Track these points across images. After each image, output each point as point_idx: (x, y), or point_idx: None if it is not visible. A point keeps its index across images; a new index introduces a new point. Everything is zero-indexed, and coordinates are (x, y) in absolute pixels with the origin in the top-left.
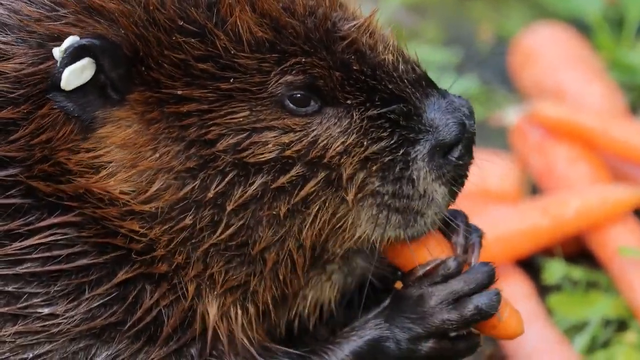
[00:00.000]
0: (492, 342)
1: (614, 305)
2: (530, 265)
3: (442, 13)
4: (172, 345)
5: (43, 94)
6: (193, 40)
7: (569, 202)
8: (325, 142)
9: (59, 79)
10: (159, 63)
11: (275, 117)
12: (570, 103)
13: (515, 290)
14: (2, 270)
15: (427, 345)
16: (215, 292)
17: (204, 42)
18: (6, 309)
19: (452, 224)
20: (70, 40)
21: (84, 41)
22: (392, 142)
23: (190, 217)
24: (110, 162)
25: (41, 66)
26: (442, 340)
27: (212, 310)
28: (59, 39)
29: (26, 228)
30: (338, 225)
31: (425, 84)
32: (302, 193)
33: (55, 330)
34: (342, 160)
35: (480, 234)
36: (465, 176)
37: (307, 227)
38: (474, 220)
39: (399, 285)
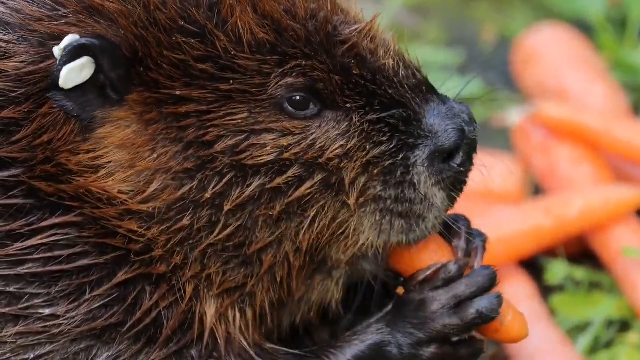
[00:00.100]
0: (495, 342)
1: (617, 306)
2: (533, 266)
3: (444, 14)
4: (172, 347)
5: (43, 93)
6: (193, 40)
7: (571, 203)
8: (323, 144)
9: (58, 77)
10: (158, 64)
11: (274, 120)
12: (573, 103)
13: (518, 290)
14: (3, 271)
15: (429, 351)
16: (213, 294)
17: (204, 43)
18: (7, 309)
19: (453, 228)
20: (69, 39)
21: (83, 40)
22: (391, 146)
23: (188, 218)
24: (109, 162)
25: (41, 65)
26: (444, 345)
27: (210, 312)
28: (59, 38)
29: (28, 228)
30: (340, 232)
31: (425, 90)
32: (297, 194)
33: (56, 331)
34: (343, 164)
35: (484, 239)
36: (465, 182)
37: (304, 230)
38: (476, 220)
39: (400, 291)
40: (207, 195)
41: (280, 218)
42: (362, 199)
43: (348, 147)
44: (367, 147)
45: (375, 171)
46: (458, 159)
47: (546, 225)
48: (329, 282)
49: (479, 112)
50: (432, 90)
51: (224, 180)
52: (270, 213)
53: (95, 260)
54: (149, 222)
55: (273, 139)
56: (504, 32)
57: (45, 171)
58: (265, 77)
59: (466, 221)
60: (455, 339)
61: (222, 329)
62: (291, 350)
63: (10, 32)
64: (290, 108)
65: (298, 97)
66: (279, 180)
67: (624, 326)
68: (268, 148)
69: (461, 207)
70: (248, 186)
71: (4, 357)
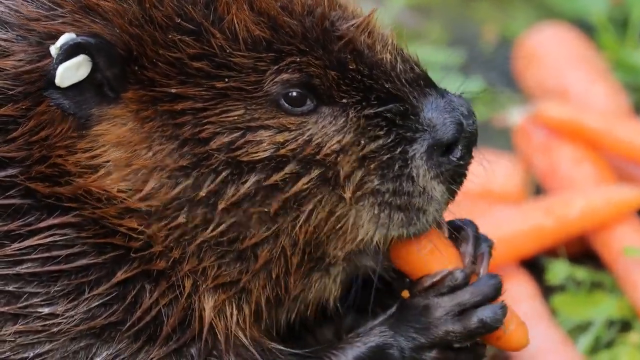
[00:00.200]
0: None
1: (618, 306)
2: (534, 266)
3: (446, 13)
4: (172, 345)
5: (41, 92)
6: (189, 38)
7: (573, 203)
8: (320, 140)
9: (54, 76)
10: (153, 62)
11: (270, 116)
12: (574, 103)
13: (519, 290)
14: (2, 270)
15: (430, 356)
16: (210, 287)
17: (200, 41)
18: (7, 308)
19: (461, 233)
20: (65, 38)
21: (79, 39)
22: (389, 140)
23: (184, 216)
24: (107, 162)
25: (39, 64)
26: (445, 351)
27: (208, 305)
28: (56, 37)
29: (26, 229)
30: (338, 226)
31: (423, 84)
32: (294, 189)
33: (55, 329)
34: (339, 158)
35: (490, 244)
36: (464, 175)
37: (300, 224)
38: (477, 220)
39: (405, 294)
40: (202, 193)
41: (276, 213)
42: (359, 193)
43: (344, 142)
44: (363, 141)
45: (372, 165)
46: (457, 152)
47: (547, 225)
48: (327, 279)
49: (480, 112)
50: (430, 84)
51: (219, 178)
52: (266, 209)
53: (94, 260)
54: (148, 219)
55: (269, 136)
56: (505, 32)
57: (41, 172)
58: (261, 74)
59: (474, 226)
60: (457, 345)
61: (221, 325)
62: (293, 350)
63: (9, 30)
64: (286, 104)
65: (294, 93)
66: (275, 177)
67: (625, 326)
68: (264, 144)
69: (463, 206)
70: (243, 183)
71: (4, 356)
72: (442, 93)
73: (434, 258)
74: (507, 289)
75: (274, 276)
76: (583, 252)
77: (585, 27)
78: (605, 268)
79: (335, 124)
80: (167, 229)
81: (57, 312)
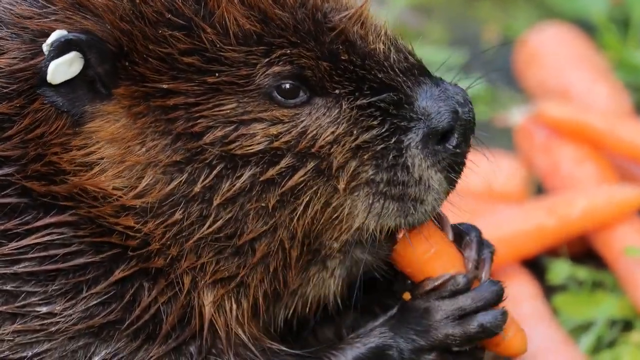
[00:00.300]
0: None
1: (620, 306)
2: (535, 265)
3: (447, 13)
4: (171, 343)
5: (34, 89)
6: (179, 33)
7: (574, 202)
8: (314, 132)
9: (46, 73)
10: (144, 57)
11: (263, 109)
12: (575, 103)
13: (520, 290)
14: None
15: (429, 358)
16: (208, 283)
17: (191, 36)
18: (5, 307)
19: (465, 238)
20: (56, 34)
21: (70, 35)
22: (383, 130)
23: (180, 212)
24: (102, 159)
25: (32, 61)
26: (444, 354)
27: (207, 301)
28: (48, 35)
29: (23, 228)
30: (334, 216)
31: (417, 73)
32: (291, 183)
33: (53, 328)
34: (332, 149)
35: (492, 250)
36: (463, 163)
37: (298, 216)
38: (479, 220)
39: (407, 296)
40: (197, 188)
41: (274, 207)
42: (353, 183)
43: (337, 133)
44: (355, 132)
45: (366, 155)
46: (453, 140)
47: (549, 224)
48: (325, 274)
49: (481, 112)
50: (424, 73)
51: (214, 172)
52: (263, 204)
53: (92, 259)
54: (144, 216)
55: (262, 128)
56: (506, 31)
57: (37, 170)
58: (252, 67)
59: (477, 232)
60: (456, 349)
61: (220, 320)
62: (293, 350)
63: (3, 28)
64: (279, 97)
65: (287, 85)
66: (271, 172)
67: (627, 326)
68: (258, 137)
69: (464, 206)
70: (238, 178)
71: (3, 355)
72: (437, 82)
73: (437, 261)
74: (509, 288)
75: (271, 270)
76: (585, 251)
77: (587, 27)
78: (607, 268)
79: (329, 115)
80: (163, 226)
81: (55, 311)
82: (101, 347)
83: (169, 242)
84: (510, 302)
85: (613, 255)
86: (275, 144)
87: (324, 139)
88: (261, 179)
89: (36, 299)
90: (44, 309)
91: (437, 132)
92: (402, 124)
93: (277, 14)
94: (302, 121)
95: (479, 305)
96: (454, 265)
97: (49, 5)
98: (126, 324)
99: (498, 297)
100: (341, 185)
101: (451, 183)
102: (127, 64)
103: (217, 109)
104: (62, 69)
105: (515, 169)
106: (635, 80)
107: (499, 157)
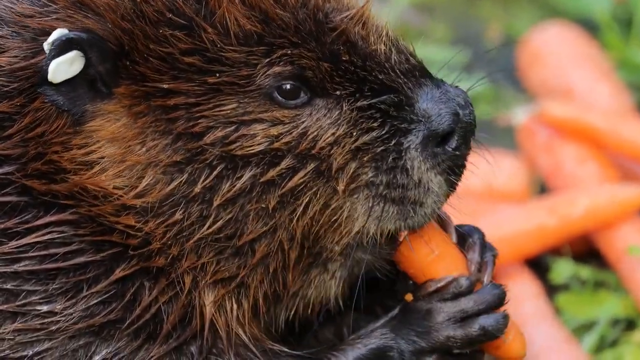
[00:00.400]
0: None
1: (623, 305)
2: (538, 265)
3: (450, 12)
4: (172, 343)
5: (35, 88)
6: (180, 33)
7: (577, 202)
8: (315, 133)
9: (47, 71)
10: (145, 57)
11: (263, 110)
12: (578, 102)
13: (523, 289)
14: (0, 268)
15: None
16: (209, 282)
17: (191, 36)
18: (5, 306)
19: (469, 241)
20: (57, 33)
21: (71, 34)
22: (383, 132)
23: (180, 212)
24: (102, 158)
25: (32, 60)
26: (445, 356)
27: (208, 301)
28: (49, 33)
29: (23, 226)
30: (334, 219)
31: (419, 74)
32: (291, 184)
33: (54, 327)
34: (332, 151)
35: (494, 254)
36: (463, 166)
37: (297, 217)
38: (481, 219)
39: (409, 297)
40: (197, 189)
41: (273, 208)
42: (353, 185)
43: (337, 134)
44: (355, 133)
45: (366, 157)
46: (453, 143)
47: (551, 224)
48: (325, 275)
49: (484, 111)
50: (426, 74)
51: (214, 173)
52: (263, 205)
53: (92, 258)
54: (145, 216)
55: (263, 129)
56: (509, 31)
57: (37, 169)
58: (252, 68)
59: (481, 234)
60: (456, 351)
61: (221, 320)
62: (293, 352)
63: (4, 27)
64: (279, 97)
65: (288, 86)
66: (272, 173)
67: (630, 325)
68: (258, 138)
69: (466, 206)
70: (239, 178)
71: (3, 354)
72: (438, 84)
73: (440, 263)
74: (511, 288)
75: (271, 271)
76: (587, 251)
77: (589, 26)
78: (610, 267)
79: (329, 117)
80: (164, 226)
81: (56, 310)
82: (102, 346)
83: (169, 242)
84: (512, 301)
85: (615, 255)
86: (276, 144)
87: (324, 141)
88: (261, 180)
89: (37, 297)
90: (44, 308)
91: (437, 135)
92: (403, 126)
93: (278, 14)
94: (303, 122)
95: (481, 308)
96: (457, 267)
97: (50, 3)
98: (127, 323)
99: (500, 301)
100: (340, 187)
101: (451, 185)
102: (128, 63)
103: (218, 109)
104: (63, 67)
105: (518, 169)
106: (638, 80)
107: (501, 156)
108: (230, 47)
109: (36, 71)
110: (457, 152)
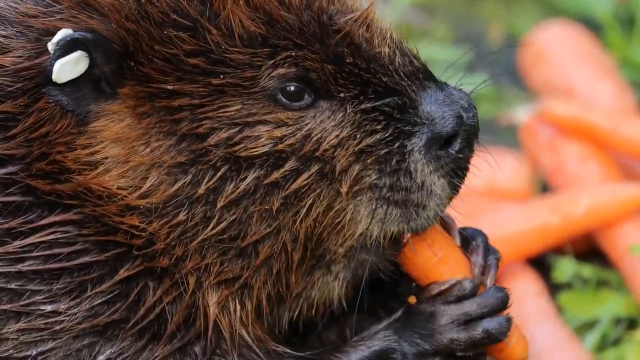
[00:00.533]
0: None
1: (625, 304)
2: (540, 264)
3: (451, 12)
4: (176, 343)
5: (39, 88)
6: (184, 34)
7: (579, 201)
8: (319, 135)
9: (51, 72)
10: (149, 58)
11: (267, 111)
12: (580, 101)
13: (525, 288)
14: (4, 268)
15: None
16: (213, 283)
17: (196, 37)
18: (9, 306)
19: (472, 244)
20: (62, 33)
21: (76, 34)
22: (387, 134)
23: (184, 213)
24: (106, 158)
25: (37, 60)
26: (448, 358)
27: (212, 302)
28: (54, 34)
29: (27, 226)
30: (337, 221)
31: (422, 77)
32: (295, 186)
33: (58, 327)
34: (336, 153)
35: (497, 257)
36: (466, 169)
37: (300, 219)
38: (483, 218)
39: (412, 299)
40: (201, 190)
41: (277, 210)
42: (356, 187)
43: (341, 136)
44: (359, 136)
45: (369, 160)
46: (456, 145)
47: (554, 223)
48: (329, 277)
49: (486, 110)
50: (429, 77)
51: (218, 174)
52: (267, 207)
53: (96, 258)
54: (149, 216)
55: (267, 131)
56: (511, 30)
57: (42, 169)
58: (257, 69)
59: (484, 237)
60: (459, 354)
61: (225, 321)
62: (296, 353)
63: (9, 27)
64: (284, 99)
65: (292, 88)
66: (276, 175)
67: (632, 324)
68: (262, 139)
69: (469, 205)
70: (242, 180)
71: (7, 354)
72: (442, 86)
73: (443, 265)
74: (514, 287)
75: (274, 272)
76: (589, 249)
77: (591, 25)
78: (612, 266)
79: (333, 119)
80: (168, 227)
81: (60, 310)
82: (106, 346)
83: (173, 242)
84: (515, 300)
85: (618, 254)
86: (280, 146)
87: (328, 143)
88: (265, 181)
89: (41, 297)
90: (48, 308)
91: (440, 137)
92: (406, 128)
93: (283, 15)
94: (307, 124)
95: (484, 311)
96: (460, 270)
97: (54, 4)
98: (131, 323)
99: (503, 304)
100: (344, 189)
101: (454, 188)
102: (132, 63)
103: (222, 110)
104: (68, 68)
105: (520, 168)
106: None
107: (503, 155)
108: (235, 49)
109: (40, 71)
110: (460, 155)
